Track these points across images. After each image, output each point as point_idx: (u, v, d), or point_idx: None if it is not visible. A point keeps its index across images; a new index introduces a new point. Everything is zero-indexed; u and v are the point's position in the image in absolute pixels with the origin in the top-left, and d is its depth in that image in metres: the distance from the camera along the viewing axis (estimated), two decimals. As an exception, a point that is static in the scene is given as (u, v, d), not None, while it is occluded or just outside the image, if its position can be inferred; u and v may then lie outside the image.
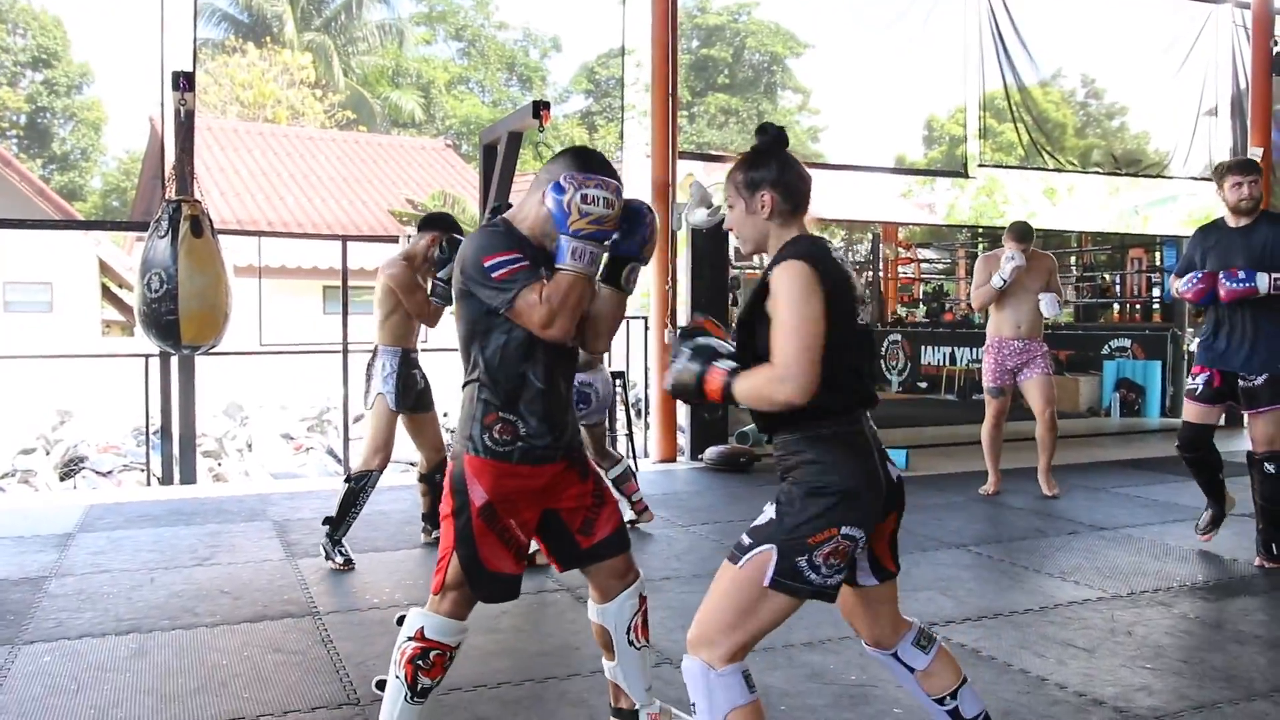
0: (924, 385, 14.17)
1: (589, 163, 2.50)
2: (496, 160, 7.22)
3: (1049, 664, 3.39)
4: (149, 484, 7.80)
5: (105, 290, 18.06)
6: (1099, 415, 11.15)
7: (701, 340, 2.22)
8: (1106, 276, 16.15)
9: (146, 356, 7.30)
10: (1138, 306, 14.85)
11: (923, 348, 14.40)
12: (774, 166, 2.24)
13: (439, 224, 4.67)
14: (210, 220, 5.74)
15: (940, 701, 2.35)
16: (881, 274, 16.85)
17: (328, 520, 4.58)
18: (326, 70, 19.99)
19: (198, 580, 4.36)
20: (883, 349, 15.02)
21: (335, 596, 4.11)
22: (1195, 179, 10.57)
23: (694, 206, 7.57)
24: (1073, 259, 16.31)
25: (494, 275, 2.40)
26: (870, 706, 3.04)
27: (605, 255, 2.49)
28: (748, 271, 10.46)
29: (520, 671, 3.33)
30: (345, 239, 7.36)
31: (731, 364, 2.16)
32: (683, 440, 8.01)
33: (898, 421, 10.24)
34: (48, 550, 4.87)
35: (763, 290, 2.15)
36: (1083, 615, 3.93)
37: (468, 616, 2.56)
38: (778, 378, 2.05)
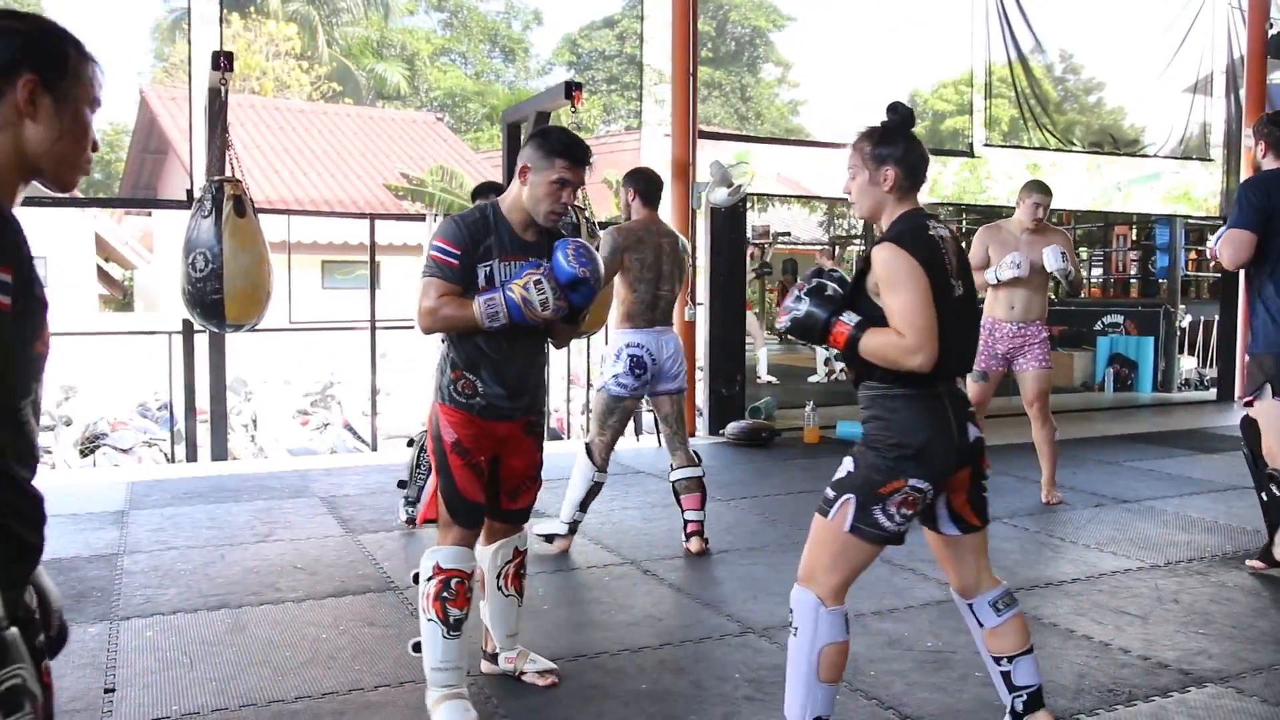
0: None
1: (551, 143, 2.75)
2: (522, 139, 7.29)
3: (1108, 630, 3.59)
4: (172, 460, 7.87)
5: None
6: (1092, 390, 11.42)
7: (830, 289, 2.40)
8: (1083, 253, 16.38)
9: (170, 334, 7.34)
10: (1126, 282, 15.09)
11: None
12: (901, 144, 2.44)
13: (494, 191, 4.75)
14: (252, 200, 5.78)
15: (997, 661, 2.57)
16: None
17: (401, 484, 4.99)
18: (311, 42, 19.82)
19: (267, 556, 4.47)
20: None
21: (409, 571, 4.23)
22: (1187, 159, 10.81)
23: (715, 185, 7.69)
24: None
25: (430, 254, 2.78)
26: (953, 671, 3.21)
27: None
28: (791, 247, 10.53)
29: (617, 641, 3.47)
30: (374, 217, 7.38)
31: (858, 317, 2.36)
32: (700, 420, 8.15)
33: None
34: (107, 527, 4.95)
35: (865, 263, 2.40)
36: (1127, 584, 4.13)
37: (473, 544, 2.90)
38: (909, 349, 2.28)
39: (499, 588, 3.05)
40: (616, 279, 4.52)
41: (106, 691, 3.02)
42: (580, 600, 3.98)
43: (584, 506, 4.59)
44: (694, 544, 4.61)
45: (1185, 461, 6.83)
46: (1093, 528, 5.04)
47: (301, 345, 12.07)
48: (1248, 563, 4.37)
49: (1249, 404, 4.12)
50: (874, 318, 2.35)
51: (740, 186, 7.75)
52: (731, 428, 7.71)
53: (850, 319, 2.35)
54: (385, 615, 3.71)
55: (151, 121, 16.43)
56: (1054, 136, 10.33)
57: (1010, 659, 2.55)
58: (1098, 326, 12.00)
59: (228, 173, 5.84)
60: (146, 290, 19.39)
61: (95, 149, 1.47)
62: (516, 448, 2.93)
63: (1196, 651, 3.38)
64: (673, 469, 4.69)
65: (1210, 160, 10.88)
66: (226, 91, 5.95)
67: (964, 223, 18.72)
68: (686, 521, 4.67)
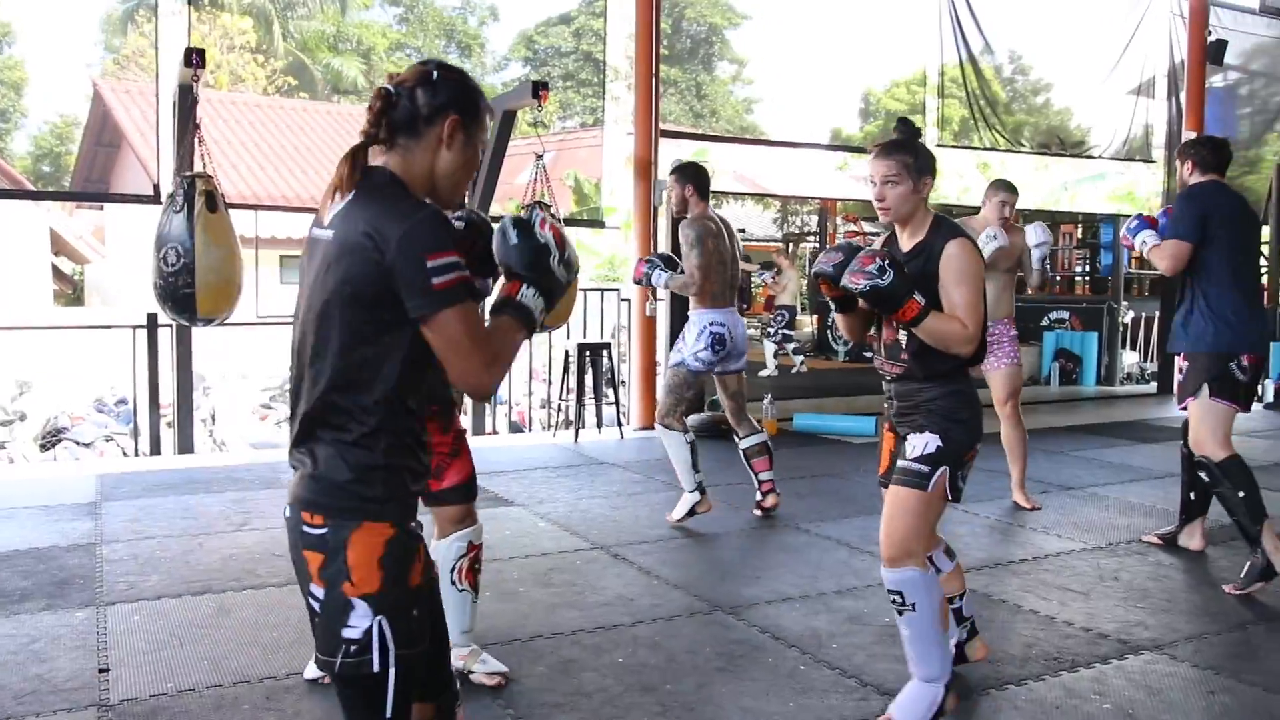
0: (869, 355, 14.68)
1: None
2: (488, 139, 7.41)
3: (1054, 605, 3.82)
4: (137, 454, 7.88)
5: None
6: (1039, 384, 11.77)
7: (900, 268, 2.62)
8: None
9: (134, 328, 7.37)
10: (1074, 279, 15.48)
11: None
12: (929, 154, 2.77)
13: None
14: (223, 196, 5.86)
15: (950, 600, 2.99)
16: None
17: None
18: (266, 35, 19.68)
19: (245, 544, 4.57)
20: (830, 319, 15.50)
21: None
22: (1131, 160, 11.17)
23: (675, 184, 7.85)
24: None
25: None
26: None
27: None
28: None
29: (591, 620, 3.63)
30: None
31: (925, 299, 2.61)
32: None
33: (843, 390, 10.67)
34: (81, 518, 5.01)
35: (925, 255, 2.71)
36: (1071, 564, 4.37)
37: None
38: (966, 338, 2.64)
39: (452, 582, 3.04)
40: (694, 263, 4.78)
41: (101, 671, 3.13)
42: (553, 583, 4.13)
43: (696, 467, 4.94)
44: (769, 500, 5.15)
45: (1126, 451, 7.13)
46: (1039, 513, 5.29)
47: (259, 340, 12.07)
48: (1145, 537, 4.73)
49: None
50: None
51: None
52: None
53: (920, 299, 2.59)
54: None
55: (105, 115, 16.25)
56: (1003, 137, 10.63)
57: (960, 596, 3.10)
58: (1044, 322, 12.36)
59: (198, 168, 5.90)
60: (100, 285, 19.16)
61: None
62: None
63: (1134, 623, 3.62)
64: (740, 438, 5.15)
65: (1152, 161, 11.26)
66: (198, 88, 6.00)
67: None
68: (761, 481, 5.16)
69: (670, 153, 8.36)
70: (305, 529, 1.70)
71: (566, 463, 6.68)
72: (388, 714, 1.67)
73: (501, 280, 1.84)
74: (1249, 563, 3.97)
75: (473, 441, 3.24)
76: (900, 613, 2.73)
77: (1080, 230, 16.08)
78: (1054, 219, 16.43)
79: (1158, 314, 11.47)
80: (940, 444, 2.71)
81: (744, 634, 3.50)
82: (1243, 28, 11.31)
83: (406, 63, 22.92)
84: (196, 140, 5.95)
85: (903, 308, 2.58)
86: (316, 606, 1.69)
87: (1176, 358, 4.28)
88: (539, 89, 6.59)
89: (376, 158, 1.75)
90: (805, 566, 4.30)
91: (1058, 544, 4.69)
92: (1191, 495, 4.55)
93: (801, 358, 13.49)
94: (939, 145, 10.33)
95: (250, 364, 11.93)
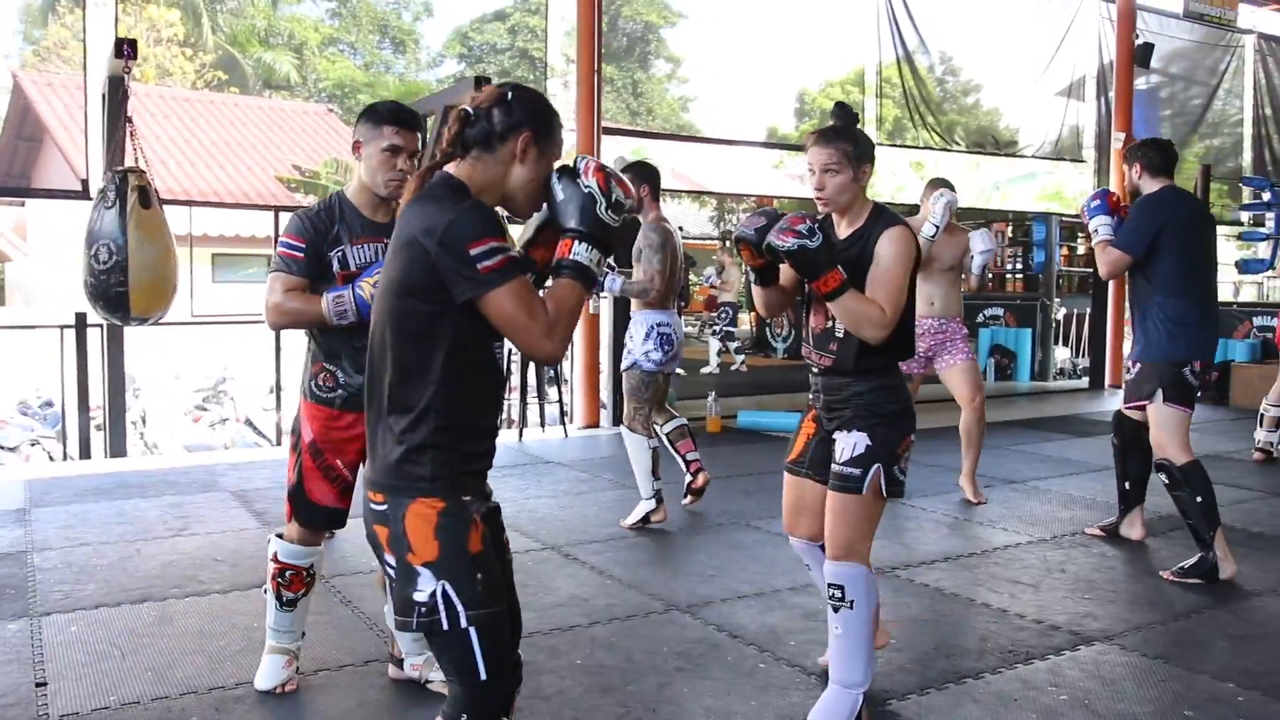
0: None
1: (380, 112, 2.79)
2: (427, 134, 7.31)
3: (1004, 598, 3.86)
4: (65, 458, 7.64)
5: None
6: (975, 379, 11.94)
7: (829, 237, 2.59)
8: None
9: (62, 328, 7.13)
10: (1004, 277, 15.72)
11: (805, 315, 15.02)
12: (867, 141, 2.71)
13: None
14: (157, 192, 5.69)
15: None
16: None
17: None
18: (195, 28, 19.23)
19: (185, 550, 4.44)
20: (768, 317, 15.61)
21: (332, 562, 4.26)
22: (1061, 159, 11.40)
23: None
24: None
25: (276, 250, 2.83)
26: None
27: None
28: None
29: (546, 621, 3.58)
30: (278, 209, 7.30)
31: (847, 275, 2.57)
32: (604, 413, 8.28)
33: (782, 387, 10.74)
34: (8, 525, 4.83)
35: (863, 242, 2.66)
36: (1019, 557, 4.43)
37: (319, 542, 2.96)
38: (881, 322, 2.58)
39: None
40: (656, 268, 4.75)
41: (38, 685, 3.00)
42: (519, 584, 4.06)
43: (656, 474, 4.93)
44: (700, 479, 5.16)
45: (1063, 445, 7.27)
46: (984, 507, 5.36)
47: (191, 341, 11.79)
48: (1088, 530, 4.81)
49: (1139, 407, 4.27)
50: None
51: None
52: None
53: (843, 272, 2.55)
54: (315, 604, 3.72)
55: (25, 108, 15.73)
56: (939, 135, 10.77)
57: None
58: (979, 319, 12.56)
59: (130, 163, 5.72)
60: (23, 284, 18.55)
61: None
62: None
63: (1084, 615, 3.67)
64: (660, 425, 5.12)
65: (1082, 161, 11.51)
66: (129, 80, 5.82)
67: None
68: (688, 461, 5.15)
69: (610, 150, 8.34)
70: (372, 506, 1.89)
71: (511, 462, 6.60)
72: (482, 676, 1.83)
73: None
74: (1198, 556, 4.06)
75: None
76: (836, 609, 2.70)
77: (1011, 229, 16.38)
78: (986, 217, 16.72)
79: (1089, 310, 11.72)
80: (869, 442, 2.68)
81: (701, 633, 3.48)
82: (1167, 32, 11.62)
83: (339, 59, 22.45)
84: (129, 134, 5.78)
85: (824, 276, 2.52)
86: (391, 573, 1.87)
87: (1127, 360, 4.33)
88: (481, 85, 6.49)
89: (448, 168, 1.90)
90: (758, 564, 4.30)
91: (1004, 537, 4.75)
92: (1126, 485, 4.65)
93: (742, 356, 13.56)
94: (878, 144, 10.43)
95: (182, 365, 11.63)
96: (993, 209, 17.98)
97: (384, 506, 1.86)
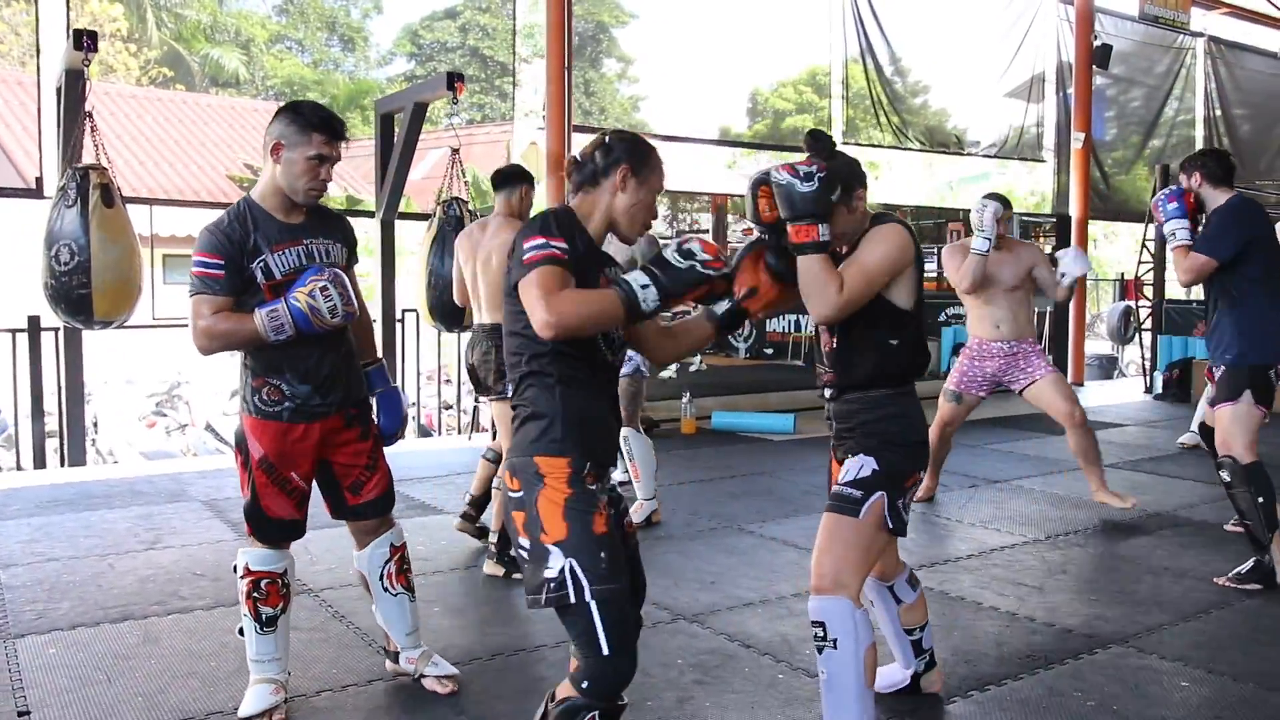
0: (770, 352, 14.79)
1: (307, 117, 2.63)
2: (396, 131, 7.15)
3: (1012, 601, 3.82)
4: (19, 468, 7.33)
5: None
6: (938, 378, 11.99)
7: (829, 189, 2.34)
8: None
9: (15, 331, 6.84)
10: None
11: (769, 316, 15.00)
12: (853, 167, 2.50)
13: (525, 178, 4.40)
14: (119, 190, 5.48)
15: (909, 632, 2.86)
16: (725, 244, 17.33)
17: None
18: (140, 23, 18.70)
19: (161, 564, 4.25)
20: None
21: (318, 574, 4.10)
22: (1022, 159, 11.50)
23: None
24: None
25: (192, 271, 2.65)
26: (880, 647, 3.35)
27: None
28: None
29: (552, 634, 3.44)
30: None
31: (827, 237, 2.35)
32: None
33: (745, 387, 10.69)
34: (-32, 541, 4.59)
35: (860, 239, 2.47)
36: (1018, 558, 4.39)
37: (287, 547, 2.86)
38: (831, 300, 2.35)
39: (385, 589, 2.96)
40: None
41: (21, 715, 2.82)
42: (499, 598, 3.94)
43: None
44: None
45: (1039, 443, 7.29)
46: (973, 507, 5.33)
47: (143, 344, 11.44)
48: (1227, 527, 4.75)
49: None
50: (884, 309, 2.50)
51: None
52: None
53: (824, 233, 2.31)
54: (307, 619, 3.59)
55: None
56: (902, 135, 10.78)
57: (921, 628, 2.87)
58: (941, 318, 12.61)
59: (91, 159, 5.50)
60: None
61: (655, 216, 2.23)
62: (339, 442, 2.82)
63: (1094, 617, 3.64)
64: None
65: (1042, 161, 11.61)
66: (89, 73, 5.59)
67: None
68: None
69: (580, 146, 8.23)
70: (509, 493, 2.11)
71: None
72: (604, 650, 2.00)
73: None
74: (1253, 560, 4.01)
75: (391, 448, 3.08)
76: (820, 649, 2.42)
77: (966, 228, 16.52)
78: (942, 215, 16.87)
79: (1050, 308, 11.82)
80: (875, 467, 2.47)
81: (713, 643, 3.39)
82: (1122, 33, 11.76)
83: (288, 56, 21.94)
84: (89, 129, 5.55)
85: (801, 224, 2.29)
86: (524, 554, 2.07)
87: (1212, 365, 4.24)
88: (454, 80, 6.37)
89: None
90: (758, 570, 4.21)
91: (999, 538, 4.72)
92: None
93: (699, 355, 13.36)
94: (843, 143, 10.44)
95: (136, 369, 11.29)
96: (946, 208, 18.16)
97: (519, 493, 2.09)
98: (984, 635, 3.46)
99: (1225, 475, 4.02)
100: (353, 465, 2.87)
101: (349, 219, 3.05)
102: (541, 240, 2.01)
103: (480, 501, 4.59)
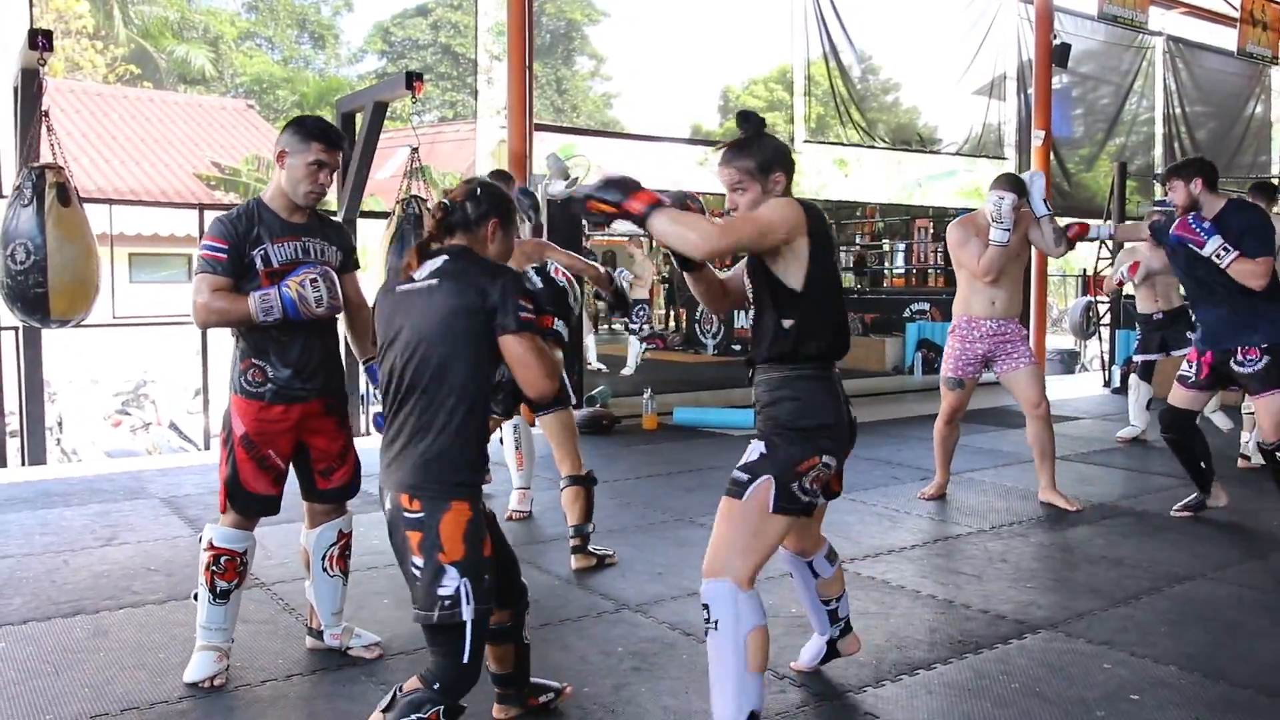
0: (737, 348, 14.91)
1: (308, 128, 2.96)
2: (357, 130, 7.18)
3: (950, 589, 3.92)
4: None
5: None
6: (903, 373, 12.15)
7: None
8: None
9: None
10: (926, 272, 16.00)
11: (735, 312, 15.11)
12: (777, 148, 2.58)
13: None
14: (76, 189, 5.50)
15: (825, 602, 2.98)
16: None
17: None
18: (106, 20, 18.60)
19: (116, 560, 4.28)
20: (698, 313, 15.66)
21: (271, 568, 4.14)
22: (983, 157, 11.64)
23: (553, 178, 7.77)
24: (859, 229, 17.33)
25: (200, 253, 2.96)
26: (800, 628, 3.44)
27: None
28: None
29: (497, 624, 3.52)
30: (203, 207, 7.09)
31: (668, 198, 2.43)
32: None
33: (714, 383, 10.77)
34: (-76, 538, 4.61)
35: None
36: (960, 548, 4.50)
37: (253, 528, 3.07)
38: (706, 233, 2.33)
39: (324, 569, 3.19)
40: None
41: (-33, 706, 2.87)
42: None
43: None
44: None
45: (993, 437, 7.42)
46: (923, 500, 5.43)
47: (109, 343, 11.41)
48: (1174, 512, 5.05)
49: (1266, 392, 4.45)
50: (778, 286, 2.53)
51: (578, 179, 7.85)
52: (579, 415, 7.82)
53: (657, 195, 2.38)
54: (256, 611, 3.64)
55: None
56: (867, 134, 10.89)
57: (837, 599, 3.00)
58: (906, 314, 12.77)
59: (47, 159, 5.51)
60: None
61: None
62: (318, 428, 3.08)
63: (1028, 603, 3.74)
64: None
65: (1004, 159, 11.76)
66: (45, 72, 5.60)
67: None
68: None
69: (542, 146, 8.28)
70: (405, 513, 2.26)
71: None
72: (464, 659, 2.22)
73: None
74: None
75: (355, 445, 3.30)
76: (705, 631, 2.48)
77: (933, 225, 16.68)
78: (910, 212, 17.04)
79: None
80: (763, 450, 2.51)
81: (654, 631, 3.47)
82: (1081, 33, 11.92)
83: (257, 53, 21.85)
84: (45, 128, 5.56)
85: (631, 197, 2.34)
86: (416, 572, 2.23)
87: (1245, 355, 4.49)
88: (413, 79, 6.41)
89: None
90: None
91: (945, 529, 4.83)
92: (1202, 465, 4.92)
93: (643, 346, 13.22)
94: (807, 141, 10.54)
95: (100, 368, 11.26)
96: (914, 205, 18.29)
97: (420, 514, 2.23)
98: (919, 622, 3.56)
99: (1271, 462, 4.45)
100: (327, 452, 3.13)
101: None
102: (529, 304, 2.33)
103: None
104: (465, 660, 2.22)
